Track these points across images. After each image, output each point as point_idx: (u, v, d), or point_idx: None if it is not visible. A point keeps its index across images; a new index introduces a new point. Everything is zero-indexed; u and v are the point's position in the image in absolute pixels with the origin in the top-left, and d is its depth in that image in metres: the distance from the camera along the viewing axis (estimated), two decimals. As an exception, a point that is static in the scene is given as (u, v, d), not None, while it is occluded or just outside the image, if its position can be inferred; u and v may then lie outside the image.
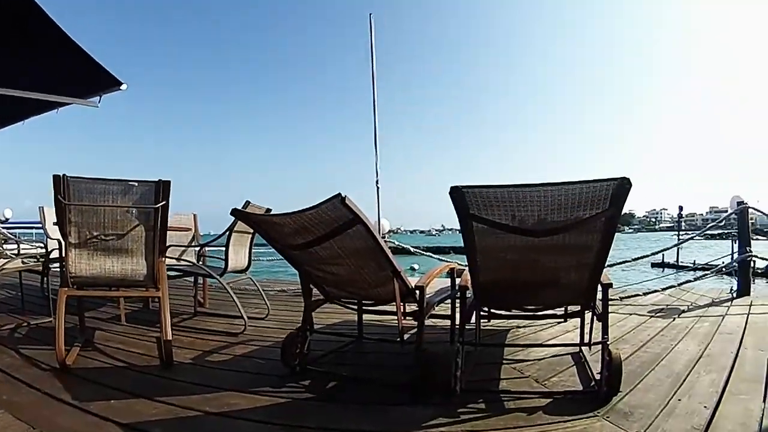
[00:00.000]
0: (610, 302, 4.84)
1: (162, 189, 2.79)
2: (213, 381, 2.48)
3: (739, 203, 5.31)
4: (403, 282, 2.44)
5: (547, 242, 2.25)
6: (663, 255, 26.25)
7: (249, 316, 3.82)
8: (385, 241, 6.49)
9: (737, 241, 5.45)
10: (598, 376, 2.41)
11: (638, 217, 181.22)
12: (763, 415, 2.05)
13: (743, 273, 5.19)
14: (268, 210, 3.69)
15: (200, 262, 4.46)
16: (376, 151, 6.51)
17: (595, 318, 2.59)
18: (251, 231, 4.02)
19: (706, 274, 6.45)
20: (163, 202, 2.78)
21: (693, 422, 2.00)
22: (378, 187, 6.55)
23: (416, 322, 2.46)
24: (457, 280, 2.84)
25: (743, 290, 5.11)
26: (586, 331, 2.99)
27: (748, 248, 5.18)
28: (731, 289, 5.33)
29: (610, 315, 4.22)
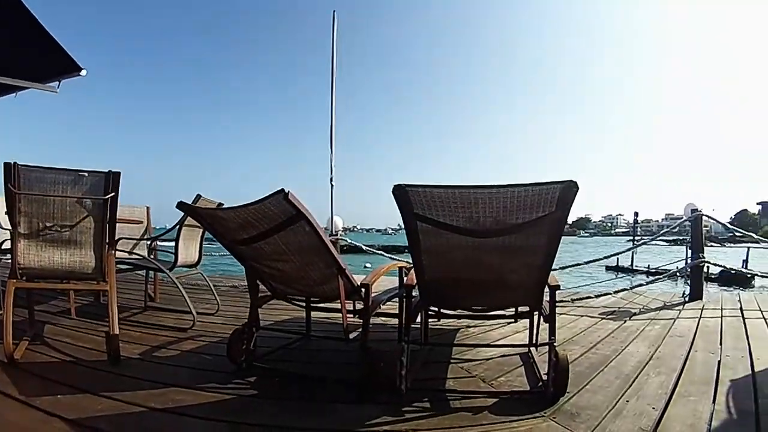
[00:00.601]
0: (561, 304, 5.05)
1: (112, 180, 2.82)
2: (160, 376, 2.53)
3: (693, 211, 5.58)
4: (348, 280, 2.49)
5: (493, 243, 2.31)
6: (617, 259, 27.50)
7: (199, 312, 3.90)
8: (338, 239, 6.60)
9: (690, 247, 5.73)
10: (545, 377, 2.45)
11: (594, 222, 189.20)
12: (712, 416, 2.13)
13: (695, 278, 5.45)
14: (220, 205, 3.75)
15: (151, 256, 4.51)
16: (331, 149, 6.68)
17: (543, 319, 2.66)
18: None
19: (659, 278, 6.80)
20: (113, 194, 2.82)
21: (641, 423, 2.05)
22: (332, 185, 6.69)
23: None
24: (405, 279, 2.87)
25: (695, 295, 5.37)
26: (535, 332, 3.05)
27: (700, 254, 5.45)
28: (683, 294, 5.60)
29: (560, 316, 4.42)
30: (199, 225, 3.99)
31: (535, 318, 2.92)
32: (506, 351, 3.21)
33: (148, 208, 4.95)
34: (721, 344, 3.41)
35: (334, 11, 7.31)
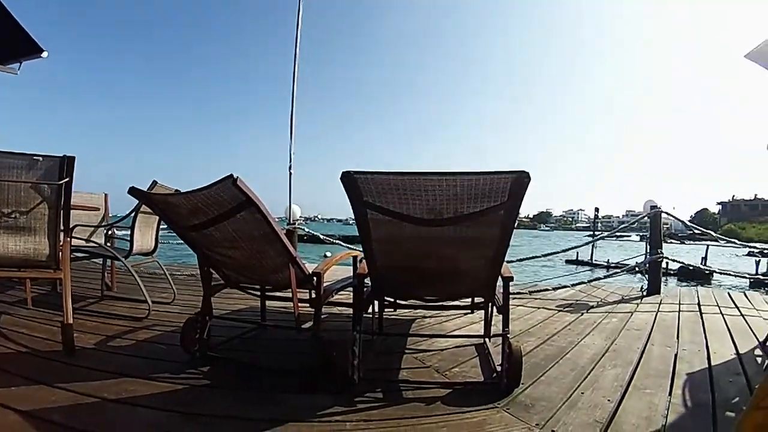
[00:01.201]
0: (519, 296, 5.13)
1: (66, 165, 2.79)
2: (114, 367, 2.55)
3: (652, 207, 5.76)
4: (300, 268, 2.51)
5: (445, 232, 2.32)
6: (577, 252, 28.32)
7: (155, 301, 3.96)
8: (297, 228, 6.56)
9: (649, 243, 5.93)
10: (500, 368, 2.47)
11: (555, 216, 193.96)
12: (668, 409, 2.19)
13: (654, 273, 5.65)
14: (176, 191, 3.74)
15: (108, 244, 4.50)
16: (291, 137, 6.73)
17: (496, 310, 2.69)
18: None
19: (618, 272, 7.01)
20: (67, 179, 2.79)
21: (596, 415, 2.09)
22: (291, 173, 6.75)
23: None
24: (358, 269, 2.88)
25: (653, 289, 5.55)
26: (490, 323, 3.11)
27: (659, 250, 5.64)
28: (642, 288, 5.77)
29: (517, 308, 4.49)
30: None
31: (490, 309, 2.94)
32: (461, 342, 3.24)
33: (106, 195, 4.92)
34: (678, 338, 3.52)
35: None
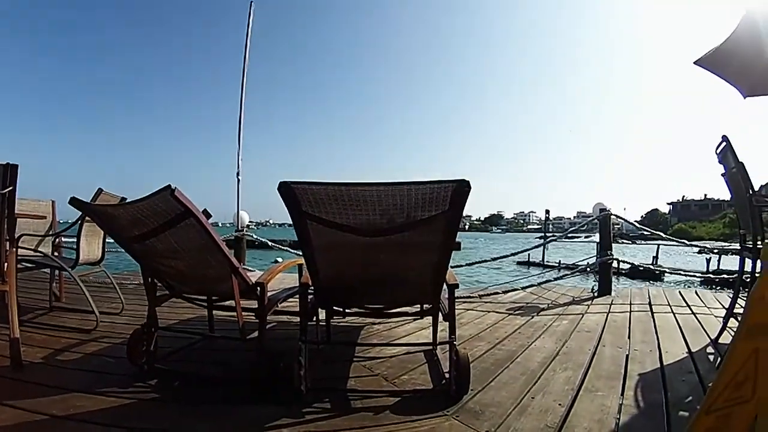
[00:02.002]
0: (468, 300, 5.20)
1: (9, 173, 2.79)
2: (62, 382, 2.55)
3: (602, 210, 6.00)
4: (242, 278, 2.55)
5: (387, 241, 2.35)
6: (528, 254, 29.01)
7: (104, 312, 4.04)
8: (245, 235, 6.51)
9: (599, 245, 6.16)
10: (449, 375, 2.51)
11: (507, 219, 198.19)
12: (620, 410, 2.25)
13: (604, 274, 5.84)
14: (123, 199, 3.89)
15: (56, 254, 4.49)
16: (239, 142, 6.79)
17: (442, 317, 2.75)
18: None
19: (569, 273, 7.23)
20: (10, 188, 2.80)
21: (547, 420, 2.14)
22: (239, 179, 6.79)
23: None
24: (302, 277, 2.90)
25: (604, 290, 5.74)
26: (437, 330, 3.13)
27: (608, 252, 5.85)
28: (592, 289, 5.95)
29: (467, 312, 4.55)
30: None
31: (438, 316, 2.98)
32: (410, 349, 3.28)
33: (53, 202, 4.88)
34: (629, 338, 3.64)
35: (251, 2, 7.71)
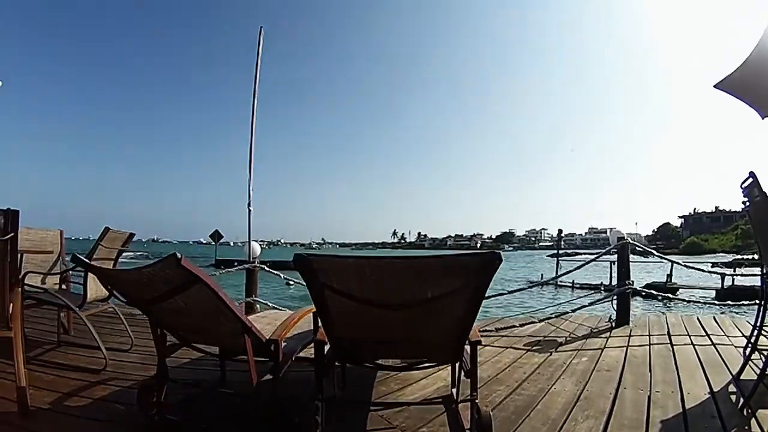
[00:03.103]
0: (485, 334, 5.13)
1: (10, 219, 2.77)
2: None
3: (620, 239, 5.90)
4: (255, 336, 2.51)
5: (408, 310, 2.31)
6: (542, 275, 28.86)
7: (113, 348, 4.02)
8: (256, 267, 6.44)
9: (617, 274, 6.07)
10: (468, 425, 2.47)
11: (518, 236, 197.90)
12: None
13: (622, 303, 5.75)
14: (131, 235, 4.05)
15: (63, 286, 4.50)
16: (250, 172, 6.67)
17: (464, 374, 2.68)
18: (113, 257, 4.27)
19: (585, 297, 7.16)
20: (12, 234, 2.77)
21: None
22: (250, 210, 6.71)
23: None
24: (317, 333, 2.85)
25: (622, 320, 5.64)
26: (457, 382, 3.06)
27: (627, 281, 5.76)
28: (610, 318, 5.86)
29: (485, 349, 4.49)
30: (110, 257, 4.25)
31: (458, 367, 2.93)
32: (428, 393, 3.25)
33: (61, 232, 4.92)
34: (650, 377, 3.56)
35: (261, 27, 7.38)
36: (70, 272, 4.76)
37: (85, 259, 2.70)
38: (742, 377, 3.36)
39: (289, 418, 2.54)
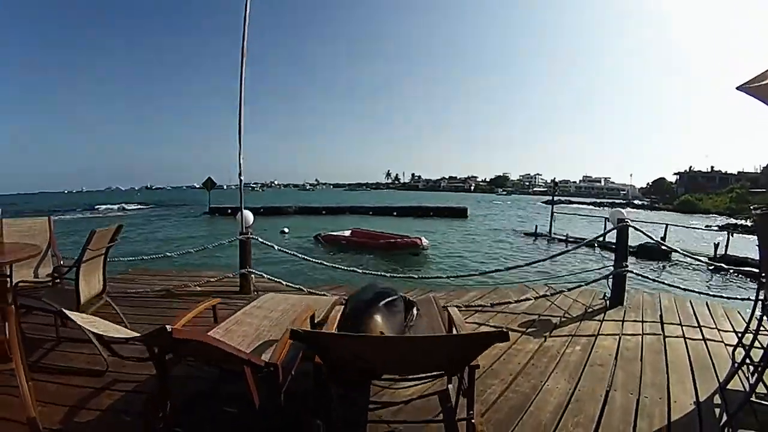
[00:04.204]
0: (480, 310, 5.22)
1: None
2: None
3: (620, 220, 5.83)
4: (254, 365, 2.50)
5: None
6: (536, 227, 29.02)
7: (112, 340, 3.72)
8: (250, 237, 6.48)
9: (615, 255, 6.03)
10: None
11: (512, 181, 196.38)
12: None
13: (618, 285, 5.79)
14: (119, 227, 4.11)
15: (57, 280, 4.36)
16: (239, 139, 6.32)
17: (462, 394, 2.75)
18: (103, 252, 4.18)
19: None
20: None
21: None
22: (241, 179, 6.54)
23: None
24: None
25: (617, 300, 5.71)
26: (454, 398, 3.05)
27: (624, 263, 5.76)
28: (604, 295, 5.91)
29: (481, 327, 4.57)
30: (100, 253, 4.13)
31: (457, 381, 2.95)
32: (425, 389, 3.31)
33: (49, 218, 4.85)
34: (640, 378, 3.63)
35: None
36: (62, 261, 4.75)
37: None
38: (728, 387, 3.42)
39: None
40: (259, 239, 6.79)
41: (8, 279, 2.85)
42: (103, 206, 54.67)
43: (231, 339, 3.06)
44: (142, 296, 6.07)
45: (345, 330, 2.88)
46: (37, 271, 4.38)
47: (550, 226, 27.64)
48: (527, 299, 5.89)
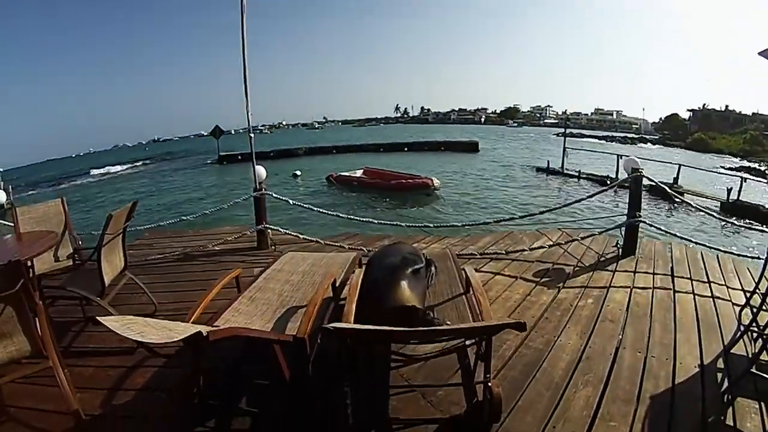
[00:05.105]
0: (495, 257, 5.30)
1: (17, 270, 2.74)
2: None
3: (634, 170, 5.77)
4: (283, 343, 2.62)
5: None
6: (548, 162, 28.74)
7: (137, 313, 3.92)
8: (264, 194, 6.45)
9: (628, 204, 5.94)
10: (482, 399, 2.69)
11: (523, 112, 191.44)
12: None
13: (630, 235, 5.84)
14: (134, 204, 4.16)
15: (76, 256, 4.42)
16: (246, 95, 6.06)
17: (479, 358, 2.85)
18: (121, 231, 4.20)
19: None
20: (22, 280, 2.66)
21: None
22: (251, 137, 6.43)
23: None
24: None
25: (629, 251, 5.77)
26: (473, 360, 3.18)
27: (637, 213, 5.75)
28: (617, 243, 5.96)
29: (495, 279, 4.69)
30: (118, 232, 4.15)
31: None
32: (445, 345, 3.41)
33: (62, 199, 4.82)
34: (649, 336, 3.74)
35: None
36: (80, 241, 4.83)
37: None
38: (732, 351, 3.52)
39: (317, 405, 2.78)
40: (273, 194, 6.77)
41: (32, 275, 2.96)
42: (98, 170, 50.18)
43: (256, 307, 3.21)
44: (162, 262, 6.12)
45: (369, 297, 2.98)
46: (57, 254, 4.38)
47: (563, 161, 27.30)
48: (541, 247, 5.98)
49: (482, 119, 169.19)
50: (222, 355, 3.44)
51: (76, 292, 3.76)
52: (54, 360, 2.77)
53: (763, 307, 3.52)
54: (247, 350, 3.40)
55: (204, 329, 2.11)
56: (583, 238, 6.24)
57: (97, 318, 1.99)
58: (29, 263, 2.92)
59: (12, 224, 4.32)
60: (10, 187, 23.02)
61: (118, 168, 52.41)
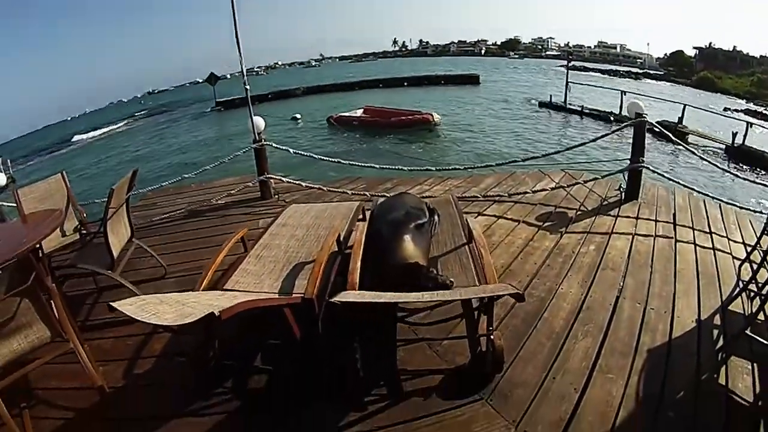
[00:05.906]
0: (498, 200, 5.27)
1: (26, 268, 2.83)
2: (154, 408, 2.77)
3: (638, 115, 5.60)
4: (291, 308, 2.66)
5: None
6: (550, 96, 28.27)
7: (149, 279, 4.31)
8: (264, 145, 6.31)
9: (631, 149, 5.82)
10: (485, 350, 2.73)
11: (524, 44, 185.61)
12: (621, 403, 2.53)
13: (633, 180, 5.76)
14: (135, 172, 4.08)
15: (83, 230, 4.39)
16: (239, 52, 5.93)
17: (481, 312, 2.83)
18: (124, 202, 4.12)
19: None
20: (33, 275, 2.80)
21: (561, 411, 2.48)
22: (246, 89, 6.16)
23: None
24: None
25: (631, 195, 5.72)
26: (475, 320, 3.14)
27: (640, 158, 5.65)
28: (620, 186, 5.91)
29: (498, 223, 4.69)
30: (120, 203, 4.04)
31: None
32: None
33: (62, 173, 4.65)
34: (649, 287, 3.75)
35: None
36: (85, 215, 4.76)
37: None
38: (729, 308, 3.53)
39: (328, 368, 2.84)
40: (273, 144, 6.64)
41: (42, 258, 2.94)
42: (86, 135, 46.31)
43: (264, 266, 3.23)
44: (167, 222, 6.01)
45: (372, 251, 2.99)
46: (63, 229, 4.32)
47: (565, 96, 26.80)
48: (543, 189, 5.93)
49: (483, 51, 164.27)
50: (234, 318, 3.46)
51: (87, 268, 3.76)
52: (74, 340, 2.80)
53: (764, 265, 3.51)
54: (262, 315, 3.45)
55: (216, 306, 2.19)
56: (585, 182, 6.15)
57: (111, 304, 2.04)
58: (38, 245, 2.90)
59: (15, 205, 4.23)
60: (9, 161, 22.25)
61: (112, 127, 50.59)
